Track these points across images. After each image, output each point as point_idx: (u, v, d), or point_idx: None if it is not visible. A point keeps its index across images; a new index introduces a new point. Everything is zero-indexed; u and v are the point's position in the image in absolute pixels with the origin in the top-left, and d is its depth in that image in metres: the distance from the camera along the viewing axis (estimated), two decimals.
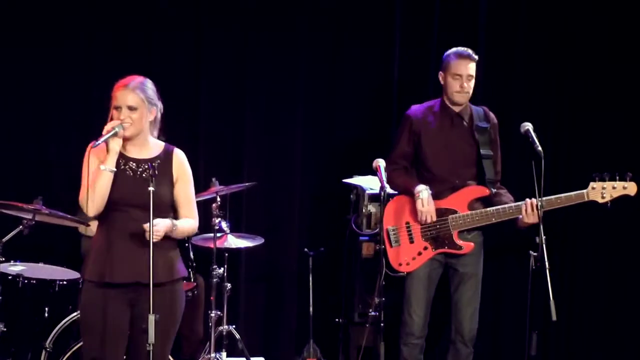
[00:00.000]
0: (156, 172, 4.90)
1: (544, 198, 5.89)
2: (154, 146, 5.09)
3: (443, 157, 6.33)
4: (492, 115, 6.47)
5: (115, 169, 4.92)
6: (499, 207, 6.23)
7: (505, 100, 7.39)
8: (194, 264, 6.52)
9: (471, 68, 6.31)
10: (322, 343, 7.26)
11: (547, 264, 5.59)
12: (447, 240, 6.29)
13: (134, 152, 5.03)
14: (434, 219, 6.25)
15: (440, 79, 6.38)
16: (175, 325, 5.10)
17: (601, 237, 7.47)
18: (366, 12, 7.51)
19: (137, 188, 4.93)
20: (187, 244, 6.50)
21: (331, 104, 7.54)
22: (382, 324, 5.98)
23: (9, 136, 7.08)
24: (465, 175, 6.34)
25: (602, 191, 6.13)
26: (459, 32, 7.40)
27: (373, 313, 6.28)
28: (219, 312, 6.66)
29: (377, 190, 6.52)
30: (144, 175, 4.97)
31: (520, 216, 6.13)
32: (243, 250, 7.03)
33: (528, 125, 5.92)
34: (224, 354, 6.68)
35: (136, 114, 4.96)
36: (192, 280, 6.51)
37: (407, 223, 6.34)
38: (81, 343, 5.32)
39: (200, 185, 7.07)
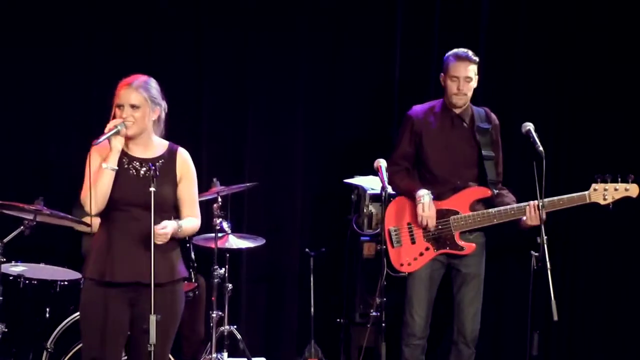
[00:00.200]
0: (157, 173, 4.89)
1: (546, 200, 5.89)
2: (158, 145, 5.08)
3: (444, 158, 6.32)
4: (493, 116, 6.46)
5: (117, 168, 4.91)
6: (500, 208, 6.23)
7: (506, 101, 7.39)
8: (195, 265, 6.52)
9: (469, 70, 6.29)
10: (324, 343, 7.26)
11: (548, 264, 5.59)
12: (448, 241, 6.29)
13: (138, 151, 5.03)
14: (434, 224, 6.24)
15: (441, 80, 6.37)
16: (175, 326, 5.10)
17: (602, 237, 7.47)
18: (367, 12, 7.51)
19: (140, 188, 4.93)
20: (188, 244, 6.51)
21: (332, 104, 7.54)
22: (383, 324, 5.98)
23: (10, 136, 7.07)
24: (467, 176, 6.34)
25: (604, 193, 6.13)
26: (459, 32, 7.40)
27: (374, 313, 6.28)
28: (220, 313, 6.66)
29: (378, 191, 6.51)
30: (147, 175, 4.97)
31: (524, 218, 6.13)
32: (244, 250, 7.03)
33: (529, 126, 5.92)
34: (225, 354, 6.67)
35: (138, 113, 4.95)
36: (194, 280, 6.51)
37: (409, 224, 6.34)
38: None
39: (202, 185, 7.05)
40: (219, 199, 6.57)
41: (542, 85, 7.56)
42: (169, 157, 5.05)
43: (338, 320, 7.19)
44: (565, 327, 7.43)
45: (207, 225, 6.71)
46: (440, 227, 6.27)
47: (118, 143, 4.93)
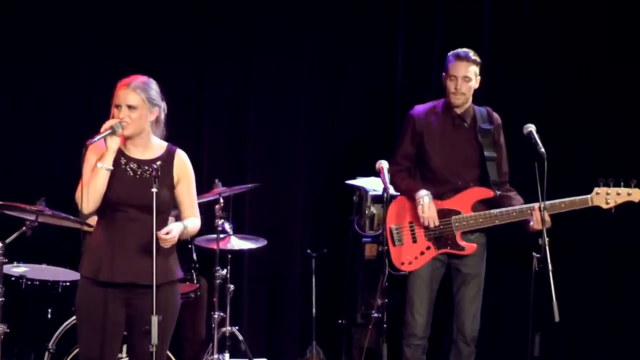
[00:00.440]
0: (159, 174, 4.89)
1: (548, 202, 5.89)
2: (156, 146, 5.07)
3: (445, 158, 6.33)
4: (495, 115, 6.46)
5: (112, 168, 4.90)
6: (502, 209, 6.23)
7: (508, 102, 7.38)
8: (197, 265, 6.52)
9: (467, 70, 6.28)
10: (325, 344, 7.26)
11: (550, 265, 5.59)
12: (449, 240, 6.29)
13: (136, 152, 5.02)
14: (437, 223, 6.24)
15: (442, 80, 6.38)
16: (172, 327, 5.08)
17: (604, 239, 7.46)
18: (369, 13, 7.51)
19: (137, 188, 4.93)
20: (190, 245, 6.50)
21: (334, 105, 7.55)
22: (384, 325, 5.97)
23: (12, 137, 7.08)
24: (468, 176, 6.34)
25: (607, 197, 6.13)
26: (462, 32, 7.40)
27: (376, 314, 6.28)
28: (222, 314, 6.66)
29: (380, 192, 6.51)
30: (144, 175, 4.96)
31: (531, 222, 6.12)
32: (246, 251, 7.04)
33: (531, 127, 5.91)
34: (227, 355, 6.68)
35: (136, 114, 4.94)
36: (195, 281, 6.51)
37: (411, 223, 6.35)
38: None
39: (204, 186, 7.08)
40: (221, 200, 6.57)
41: (545, 86, 7.55)
42: (167, 159, 5.04)
43: (340, 321, 7.20)
44: (567, 328, 7.42)
45: (209, 226, 6.73)
46: (441, 226, 6.27)
47: (114, 143, 4.91)
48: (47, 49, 7.09)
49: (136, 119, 4.94)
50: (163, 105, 5.07)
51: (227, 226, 6.67)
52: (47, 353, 6.15)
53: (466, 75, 6.27)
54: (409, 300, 6.35)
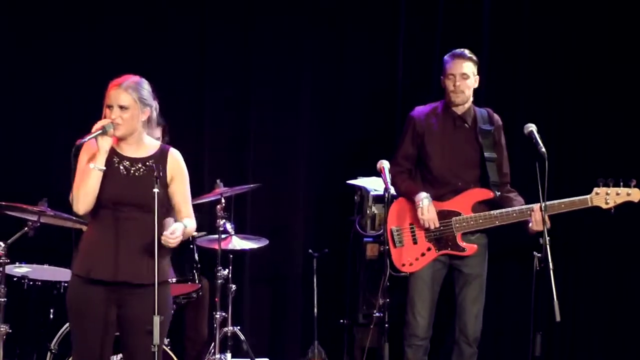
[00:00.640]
0: (160, 174, 4.90)
1: (548, 203, 5.89)
2: (149, 145, 5.07)
3: (445, 159, 6.33)
4: (496, 116, 6.46)
5: (104, 168, 4.90)
6: (502, 210, 6.23)
7: (509, 102, 7.39)
8: (199, 266, 6.53)
9: (464, 67, 6.28)
10: (327, 344, 7.26)
11: (551, 265, 5.59)
12: (450, 241, 6.29)
13: (129, 151, 5.02)
14: (437, 225, 6.24)
15: (442, 82, 6.38)
16: (165, 328, 5.04)
17: (605, 238, 7.46)
18: (370, 13, 7.51)
19: (130, 187, 4.93)
20: (191, 246, 6.51)
21: (335, 105, 7.55)
22: (386, 325, 5.98)
23: (13, 137, 7.09)
24: (468, 177, 6.34)
25: (606, 197, 6.13)
26: (462, 32, 7.40)
27: (377, 314, 6.29)
28: (223, 314, 6.66)
29: (381, 192, 6.52)
30: (137, 174, 4.97)
31: (530, 223, 6.12)
32: (248, 251, 7.05)
33: (532, 127, 5.92)
34: (228, 355, 6.68)
35: (127, 114, 4.94)
36: (197, 281, 6.52)
37: (411, 224, 6.35)
38: None
39: (205, 186, 7.09)
40: (222, 200, 6.57)
41: (545, 86, 7.56)
42: (160, 157, 5.03)
43: (341, 321, 7.20)
44: (568, 328, 7.43)
45: (210, 226, 6.75)
46: (442, 227, 6.28)
47: (106, 143, 4.91)
48: (47, 49, 7.09)
49: (128, 119, 4.94)
50: (155, 104, 5.05)
51: (229, 226, 6.67)
52: (49, 353, 6.16)
53: (463, 72, 6.27)
54: (410, 301, 6.35)
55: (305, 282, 7.35)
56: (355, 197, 7.21)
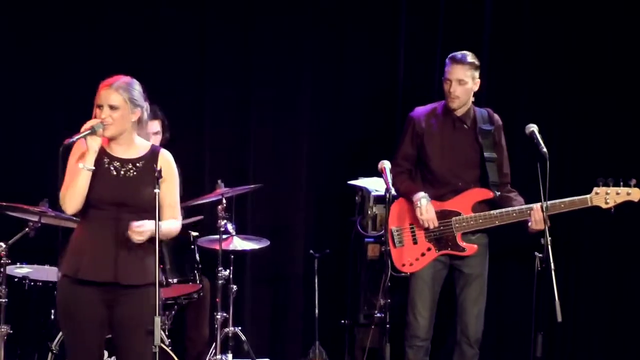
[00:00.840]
0: (161, 174, 4.90)
1: (548, 202, 5.89)
2: (140, 146, 5.05)
3: (445, 160, 6.33)
4: (496, 117, 6.46)
5: (93, 168, 4.89)
6: (502, 210, 6.23)
7: (510, 102, 7.39)
8: (200, 266, 6.52)
9: (462, 72, 6.23)
10: (328, 344, 7.27)
11: (552, 265, 5.59)
12: (450, 241, 6.29)
13: (119, 151, 5.01)
14: (436, 224, 6.24)
15: (443, 82, 6.38)
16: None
17: (606, 239, 7.46)
18: (370, 13, 7.51)
19: (120, 188, 4.93)
20: (193, 246, 6.51)
21: (336, 105, 7.55)
22: (387, 325, 5.98)
23: (14, 138, 7.09)
24: (468, 177, 6.34)
25: (606, 196, 6.13)
26: (463, 33, 7.41)
27: (378, 314, 6.29)
28: (224, 314, 6.66)
29: (382, 192, 6.52)
30: (127, 174, 4.96)
31: (530, 223, 6.12)
32: (249, 252, 7.04)
33: (533, 127, 5.91)
34: (229, 355, 6.68)
35: (117, 114, 4.93)
36: (198, 282, 6.51)
37: (411, 224, 6.35)
38: None
39: (206, 187, 7.09)
40: (224, 201, 6.57)
41: (547, 86, 7.55)
42: (151, 158, 5.01)
43: (342, 321, 7.20)
44: (569, 328, 7.43)
45: (211, 227, 6.75)
46: (442, 227, 6.28)
47: (95, 143, 4.90)
48: (47, 49, 7.09)
49: (118, 119, 4.93)
50: (146, 105, 5.04)
51: (230, 227, 6.67)
52: (50, 354, 6.15)
53: (460, 78, 6.24)
54: (411, 301, 6.35)
55: (306, 283, 7.36)
56: (356, 198, 7.21)
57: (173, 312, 6.58)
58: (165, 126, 6.65)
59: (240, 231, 6.89)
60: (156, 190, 4.85)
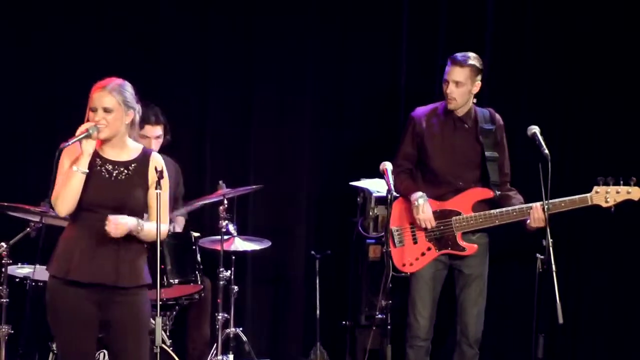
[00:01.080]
0: (162, 175, 4.90)
1: (549, 201, 5.89)
2: (132, 149, 5.06)
3: (446, 159, 6.32)
4: (498, 116, 6.46)
5: (87, 171, 4.89)
6: (502, 209, 6.23)
7: (511, 103, 7.39)
8: (201, 267, 6.52)
9: (459, 74, 6.22)
10: (329, 345, 7.27)
11: (554, 266, 5.59)
12: (450, 241, 6.29)
13: (111, 154, 5.01)
14: (433, 224, 6.24)
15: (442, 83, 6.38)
16: (146, 330, 5.03)
17: (607, 239, 7.46)
18: (373, 13, 7.52)
19: (112, 190, 4.93)
20: (194, 247, 6.50)
21: (338, 106, 7.56)
22: (388, 327, 5.99)
23: (16, 138, 7.09)
24: (469, 177, 6.34)
25: (606, 195, 6.12)
26: (465, 33, 7.41)
27: (379, 315, 6.28)
28: (226, 315, 6.67)
29: (383, 193, 6.53)
30: (119, 177, 4.97)
31: (528, 221, 6.12)
32: (250, 253, 7.05)
33: (535, 129, 5.91)
34: (231, 356, 6.68)
35: (111, 116, 4.93)
36: (199, 282, 6.51)
37: (411, 224, 6.35)
38: None
39: (207, 188, 7.09)
40: (225, 202, 6.57)
41: (548, 86, 7.55)
42: (142, 161, 5.02)
43: (343, 322, 7.20)
44: (570, 329, 7.42)
45: (212, 227, 6.75)
46: (442, 227, 6.27)
47: (89, 146, 4.90)
48: (47, 49, 7.09)
49: (112, 121, 4.94)
50: (138, 107, 5.05)
51: (231, 227, 6.67)
52: (51, 354, 6.15)
53: (457, 80, 6.23)
54: (411, 302, 6.35)
55: (308, 284, 7.36)
56: (358, 199, 7.21)
57: (174, 312, 6.58)
58: (167, 130, 6.66)
59: (242, 232, 6.90)
60: (157, 191, 4.88)
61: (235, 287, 6.73)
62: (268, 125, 7.46)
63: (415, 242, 6.33)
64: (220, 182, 6.67)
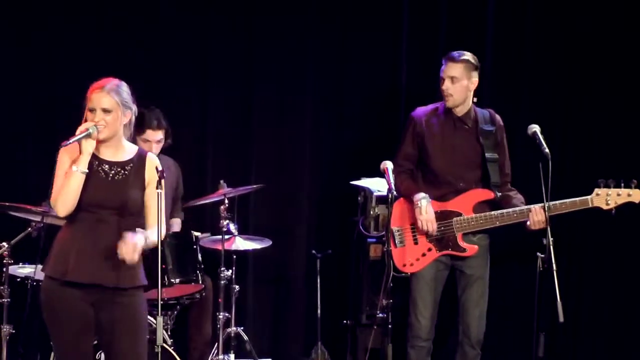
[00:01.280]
0: (164, 175, 4.91)
1: (550, 203, 5.89)
2: (128, 149, 5.06)
3: (446, 160, 6.32)
4: (498, 117, 6.46)
5: (87, 171, 4.89)
6: (503, 210, 6.23)
7: (512, 103, 7.39)
8: (202, 266, 6.52)
9: (454, 70, 6.24)
10: (330, 345, 7.27)
11: (554, 265, 5.60)
12: (451, 242, 6.29)
13: (107, 154, 5.00)
14: (434, 227, 6.24)
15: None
16: (144, 331, 5.03)
17: (608, 239, 7.46)
18: (373, 12, 7.52)
19: (109, 190, 4.92)
20: (195, 246, 6.51)
21: (339, 105, 7.56)
22: (389, 326, 5.99)
23: (16, 138, 7.09)
24: (469, 178, 6.34)
25: (607, 198, 6.12)
26: (466, 32, 7.41)
27: (381, 315, 6.29)
28: (227, 314, 6.67)
29: (384, 192, 6.53)
30: (116, 177, 4.97)
31: (528, 222, 6.12)
32: (251, 252, 7.05)
33: (535, 127, 5.92)
34: (232, 355, 6.68)
35: (110, 117, 4.94)
36: (200, 282, 6.51)
37: (412, 224, 6.35)
38: None
39: (208, 187, 7.10)
40: (226, 201, 6.58)
41: (548, 87, 7.56)
42: (139, 162, 5.02)
43: (345, 321, 7.20)
44: (571, 328, 7.43)
45: (213, 227, 6.75)
46: (443, 228, 6.28)
47: (89, 146, 4.90)
48: (47, 49, 7.10)
49: (111, 122, 4.94)
50: (134, 108, 5.05)
51: (232, 227, 6.68)
52: (52, 354, 6.15)
53: (452, 75, 6.24)
54: (412, 302, 6.35)
55: (309, 283, 7.36)
56: (359, 198, 7.21)
57: (175, 312, 6.59)
58: (169, 134, 6.66)
59: (243, 231, 6.90)
60: (158, 190, 4.88)
61: (236, 287, 6.73)
62: (268, 125, 7.47)
63: (416, 243, 6.33)
64: (221, 181, 6.68)
